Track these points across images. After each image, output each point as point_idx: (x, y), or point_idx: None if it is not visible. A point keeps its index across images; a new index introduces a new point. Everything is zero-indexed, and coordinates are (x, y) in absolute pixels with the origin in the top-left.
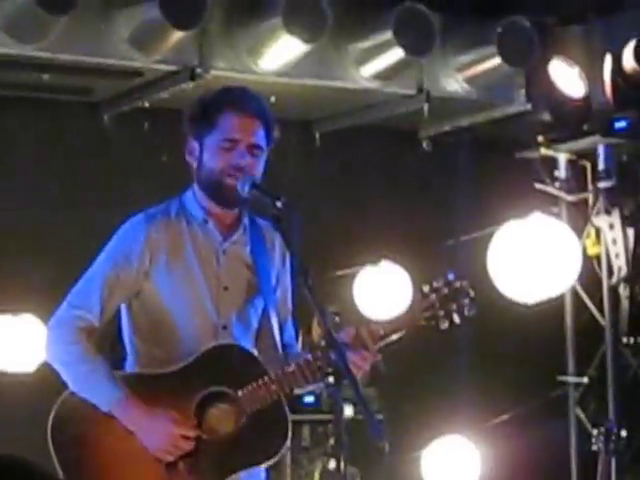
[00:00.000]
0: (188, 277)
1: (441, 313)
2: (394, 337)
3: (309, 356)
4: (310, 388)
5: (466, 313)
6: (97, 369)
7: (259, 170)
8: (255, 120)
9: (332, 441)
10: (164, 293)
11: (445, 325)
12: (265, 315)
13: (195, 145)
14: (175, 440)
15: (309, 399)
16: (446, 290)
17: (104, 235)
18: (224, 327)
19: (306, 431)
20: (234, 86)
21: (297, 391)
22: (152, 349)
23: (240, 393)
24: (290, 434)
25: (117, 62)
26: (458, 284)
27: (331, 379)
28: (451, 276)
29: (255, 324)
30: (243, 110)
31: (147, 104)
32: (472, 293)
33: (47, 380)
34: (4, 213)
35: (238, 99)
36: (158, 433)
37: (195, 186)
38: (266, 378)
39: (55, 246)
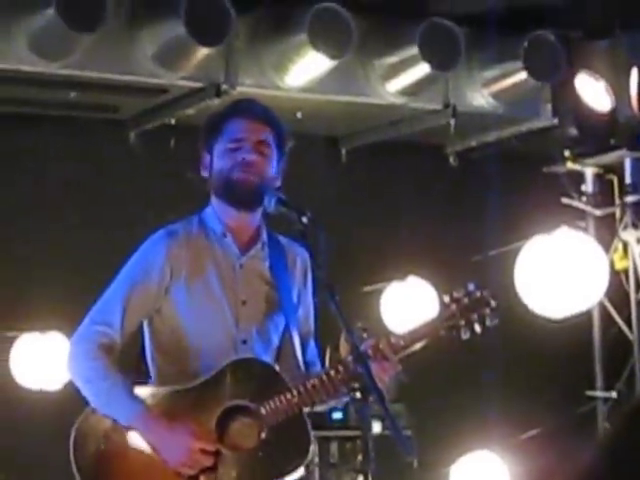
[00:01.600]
0: (207, 292)
1: (462, 323)
2: (415, 347)
3: (331, 370)
4: (333, 404)
5: (487, 323)
6: (117, 385)
7: (270, 170)
8: (262, 124)
9: (360, 457)
10: (182, 308)
11: (467, 335)
12: (286, 333)
13: (207, 156)
14: (194, 454)
15: (337, 415)
16: (467, 300)
17: (130, 252)
18: (244, 341)
19: (334, 447)
20: (242, 98)
21: (319, 408)
22: (173, 365)
23: (262, 407)
24: (312, 448)
25: (143, 79)
26: (479, 294)
27: (358, 394)
28: (472, 286)
29: (275, 341)
30: (249, 115)
31: (173, 121)
32: (493, 303)
33: (74, 398)
34: (30, 230)
35: (245, 106)
36: (178, 447)
37: (213, 200)
38: (288, 393)
39: (82, 264)
